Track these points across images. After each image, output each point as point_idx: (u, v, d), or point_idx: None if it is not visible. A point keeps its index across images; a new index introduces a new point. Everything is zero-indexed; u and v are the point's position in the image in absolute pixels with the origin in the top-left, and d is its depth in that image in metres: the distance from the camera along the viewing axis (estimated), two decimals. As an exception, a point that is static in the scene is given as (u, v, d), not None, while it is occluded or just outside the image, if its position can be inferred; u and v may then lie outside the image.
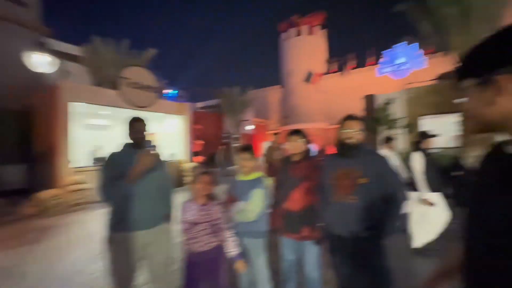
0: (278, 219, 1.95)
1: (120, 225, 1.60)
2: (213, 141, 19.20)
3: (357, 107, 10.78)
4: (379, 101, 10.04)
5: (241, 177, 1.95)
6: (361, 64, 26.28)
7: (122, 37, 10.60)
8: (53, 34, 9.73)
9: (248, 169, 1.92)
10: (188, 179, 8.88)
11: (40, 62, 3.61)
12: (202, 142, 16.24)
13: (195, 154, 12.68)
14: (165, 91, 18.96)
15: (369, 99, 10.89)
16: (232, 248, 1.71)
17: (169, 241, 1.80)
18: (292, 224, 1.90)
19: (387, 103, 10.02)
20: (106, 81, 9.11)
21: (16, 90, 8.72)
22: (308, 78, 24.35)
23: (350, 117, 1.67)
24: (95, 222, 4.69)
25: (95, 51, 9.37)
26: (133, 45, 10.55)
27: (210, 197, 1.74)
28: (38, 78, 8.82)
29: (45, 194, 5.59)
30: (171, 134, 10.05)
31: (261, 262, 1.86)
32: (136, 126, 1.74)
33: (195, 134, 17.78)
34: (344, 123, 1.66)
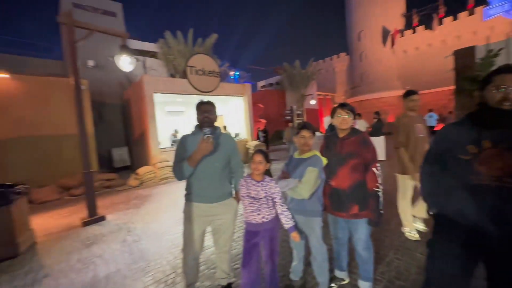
0: (325, 197, 1.92)
1: (191, 197, 1.85)
2: (276, 119, 19.41)
3: (447, 66, 8.81)
4: (481, 54, 7.90)
5: (297, 155, 1.97)
6: (451, 12, 20.78)
7: (188, 28, 11.51)
8: (134, 37, 11.41)
9: (308, 147, 1.89)
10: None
11: (126, 62, 4.36)
12: (264, 120, 16.66)
13: (263, 132, 13.19)
14: (230, 73, 19.94)
15: (466, 53, 8.68)
16: (286, 221, 1.80)
17: (233, 215, 1.94)
18: (340, 202, 1.84)
19: (495, 55, 7.78)
20: (178, 71, 10.26)
21: (116, 88, 10.84)
22: (384, 38, 20.64)
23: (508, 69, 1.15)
24: (178, 193, 5.66)
25: (167, 45, 10.56)
26: (197, 33, 11.35)
27: (266, 174, 1.83)
28: (129, 76, 10.67)
29: (142, 170, 7.00)
30: (235, 114, 10.70)
31: (315, 239, 1.88)
32: (202, 109, 1.84)
33: (258, 113, 18.35)
34: (497, 78, 1.15)
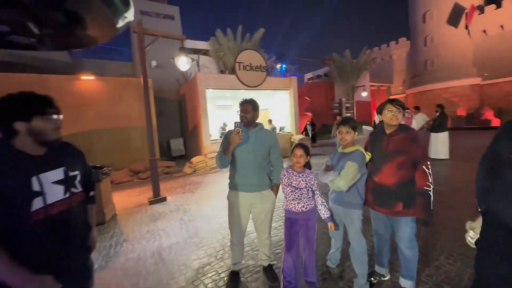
0: (368, 192, 1.94)
1: (232, 185, 2.08)
2: (323, 112, 18.76)
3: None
4: None
5: (340, 149, 2.04)
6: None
7: (238, 24, 11.96)
8: (188, 36, 12.38)
9: (345, 142, 1.95)
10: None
11: (183, 63, 4.88)
12: (310, 114, 16.32)
13: (311, 125, 12.99)
14: (276, 66, 19.96)
15: None
16: (324, 212, 1.94)
17: (270, 205, 2.08)
18: (383, 198, 1.84)
19: None
20: (227, 67, 10.82)
21: (174, 85, 12.01)
22: (457, 17, 17.46)
23: None
24: (226, 181, 6.12)
25: (218, 43, 11.19)
26: (245, 28, 11.71)
27: (306, 166, 1.96)
28: (185, 73, 11.69)
29: (195, 159, 7.75)
30: (280, 108, 10.80)
31: (354, 231, 1.94)
32: (241, 108, 2.02)
33: (304, 106, 18.02)
34: None
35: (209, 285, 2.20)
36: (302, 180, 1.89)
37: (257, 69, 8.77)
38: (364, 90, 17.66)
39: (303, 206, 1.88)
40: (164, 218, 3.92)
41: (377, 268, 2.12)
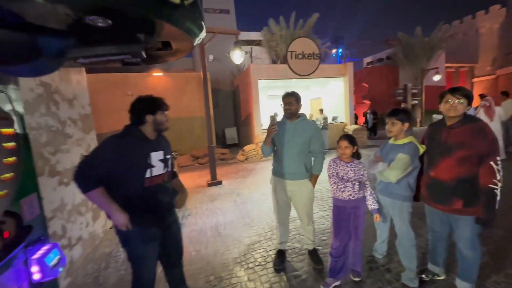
0: (423, 186, 1.85)
1: (274, 172, 2.27)
2: (383, 100, 17.02)
3: None
4: None
5: (391, 141, 2.00)
6: None
7: (291, 11, 11.69)
8: (242, 28, 12.74)
9: (391, 134, 1.91)
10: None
11: (238, 56, 5.18)
12: (368, 102, 15.02)
13: (373, 113, 12.08)
14: (331, 52, 18.84)
15: None
16: (371, 203, 1.94)
17: (307, 194, 2.16)
18: (440, 194, 1.74)
19: None
20: (279, 57, 10.82)
21: (228, 76, 12.68)
22: None
23: None
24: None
25: (271, 33, 11.21)
26: (299, 14, 11.39)
27: (355, 156, 1.98)
28: (239, 65, 12.17)
29: (248, 148, 8.19)
30: (334, 97, 10.33)
31: (401, 223, 1.91)
32: (284, 101, 2.14)
33: (361, 94, 16.67)
34: None
35: (259, 259, 2.48)
36: (351, 170, 1.92)
37: (310, 57, 8.54)
38: (437, 73, 15.17)
39: (351, 195, 1.92)
40: (220, 199, 4.39)
41: (431, 266, 2.02)
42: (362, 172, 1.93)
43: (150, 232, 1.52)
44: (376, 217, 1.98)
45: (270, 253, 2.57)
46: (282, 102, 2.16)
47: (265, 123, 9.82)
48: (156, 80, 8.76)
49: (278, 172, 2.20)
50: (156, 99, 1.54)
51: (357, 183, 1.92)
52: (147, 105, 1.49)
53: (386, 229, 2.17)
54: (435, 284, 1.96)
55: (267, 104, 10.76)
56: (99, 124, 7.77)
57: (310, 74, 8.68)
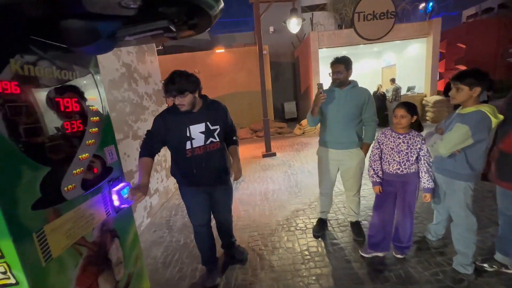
0: (492, 163, 1.55)
1: (322, 142, 2.24)
2: (487, 63, 13.36)
3: None
4: None
5: (459, 110, 1.72)
6: None
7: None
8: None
9: (456, 101, 1.62)
10: (430, 115, 7.69)
11: (294, 24, 4.97)
12: (463, 67, 12.08)
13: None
14: (420, 7, 15.60)
15: None
16: (425, 181, 1.74)
17: (357, 163, 2.11)
18: (507, 170, 1.44)
19: None
20: (346, 21, 9.69)
21: (289, 48, 12.25)
22: None
23: None
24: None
25: (336, -7, 10.00)
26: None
27: (415, 127, 1.77)
28: (299, 35, 11.55)
29: (305, 122, 8.05)
30: (412, 63, 8.80)
31: (457, 205, 1.67)
32: (333, 68, 2.04)
33: (454, 58, 13.50)
34: None
35: (300, 225, 2.61)
36: (403, 142, 1.75)
37: (382, 17, 7.35)
38: None
39: (399, 169, 1.78)
40: (272, 169, 4.62)
41: (498, 256, 1.74)
42: (419, 146, 1.73)
43: (194, 190, 1.73)
44: (426, 196, 1.76)
45: (312, 221, 2.66)
46: (330, 70, 2.06)
47: (326, 96, 9.30)
48: (218, 56, 9.27)
49: (327, 142, 2.17)
50: (167, 83, 1.47)
51: (411, 157, 1.75)
52: (163, 85, 1.51)
53: (444, 210, 1.93)
54: (499, 276, 1.70)
55: (327, 76, 10.03)
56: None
57: (382, 37, 7.55)
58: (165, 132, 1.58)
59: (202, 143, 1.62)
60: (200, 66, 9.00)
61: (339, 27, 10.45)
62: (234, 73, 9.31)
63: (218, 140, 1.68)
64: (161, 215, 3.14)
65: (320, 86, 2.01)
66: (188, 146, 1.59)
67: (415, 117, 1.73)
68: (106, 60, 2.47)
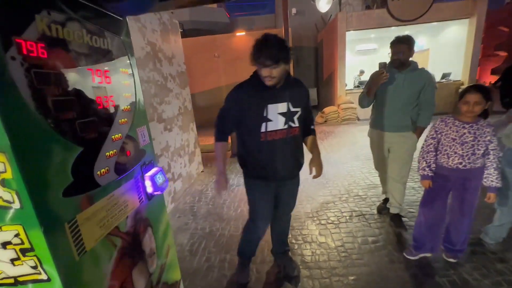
0: None
1: (374, 124, 2.20)
2: (532, 50, 12.01)
3: None
4: None
5: None
6: None
7: None
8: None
9: None
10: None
11: (324, 3, 4.59)
12: (505, 53, 10.93)
13: (494, 72, 9.07)
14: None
15: None
16: (493, 178, 1.50)
17: (408, 147, 2.03)
18: None
19: None
20: (376, 1, 8.94)
21: (312, 31, 11.64)
22: None
23: None
24: (357, 133, 5.82)
25: (368, -30, 9.20)
26: None
27: (482, 116, 1.52)
28: (324, 17, 10.90)
29: (328, 109, 7.68)
30: (449, 47, 8.04)
31: None
32: (394, 49, 1.92)
33: (496, 42, 12.25)
34: None
35: (332, 218, 2.44)
36: (469, 132, 1.49)
37: (421, -5, 6.66)
38: None
39: (461, 163, 1.53)
40: (296, 158, 4.43)
41: None
42: (489, 138, 1.47)
43: (263, 185, 1.47)
44: (490, 197, 1.53)
45: (345, 214, 2.48)
46: (391, 50, 1.93)
47: (350, 82, 8.80)
48: (238, 40, 8.94)
49: (378, 124, 2.12)
50: (260, 48, 1.23)
51: (477, 150, 1.49)
52: (251, 49, 1.26)
53: (509, 212, 1.68)
54: None
55: (353, 62, 9.47)
56: (192, 85, 8.83)
57: (418, 17, 6.86)
58: (239, 112, 1.35)
59: (280, 127, 1.35)
60: (220, 50, 8.74)
61: (367, 7, 9.71)
62: (254, 58, 8.99)
63: (297, 125, 1.40)
64: (185, 201, 3.08)
65: (383, 65, 1.97)
66: (262, 128, 1.33)
67: (489, 103, 1.46)
68: (132, 37, 2.33)
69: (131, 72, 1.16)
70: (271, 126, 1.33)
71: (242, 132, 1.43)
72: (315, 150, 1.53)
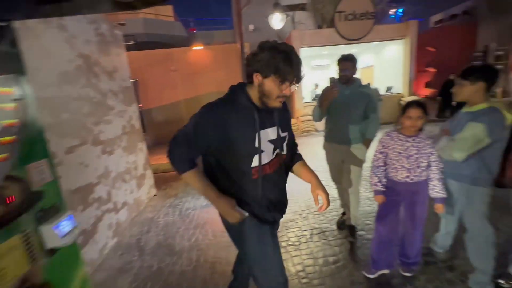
0: (510, 167, 1.38)
1: (327, 137, 2.26)
2: (454, 66, 14.21)
3: None
4: None
5: (465, 108, 1.54)
6: None
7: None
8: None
9: (460, 98, 1.50)
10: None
11: (277, 20, 4.71)
12: (433, 69, 12.70)
13: (449, 84, 10.25)
14: (389, 11, 16.21)
15: None
16: (438, 190, 1.52)
17: (359, 158, 2.11)
18: None
19: None
20: (326, 21, 9.68)
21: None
22: None
23: None
24: (317, 145, 5.99)
25: (316, -7, 9.96)
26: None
27: (421, 130, 1.56)
28: (280, 34, 11.40)
29: (288, 122, 7.85)
30: (390, 63, 8.99)
31: (472, 214, 1.50)
32: (340, 66, 2.03)
33: (425, 60, 14.19)
34: None
35: (292, 239, 2.32)
36: (413, 146, 1.52)
37: (362, 17, 7.38)
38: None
39: (408, 177, 1.55)
40: (257, 174, 4.31)
41: (513, 270, 1.59)
42: (429, 150, 1.52)
43: (265, 230, 1.13)
44: (439, 208, 1.55)
45: (305, 233, 2.39)
46: (337, 67, 2.05)
47: (307, 96, 9.21)
48: (196, 54, 8.78)
49: (331, 137, 2.20)
50: (288, 63, 0.93)
51: (421, 163, 1.52)
52: (270, 58, 0.92)
53: (453, 219, 1.76)
54: (517, 293, 1.53)
55: (309, 75, 9.98)
56: (146, 100, 8.25)
57: (362, 37, 7.58)
58: (219, 141, 0.98)
59: (271, 158, 1.07)
60: (177, 63, 8.44)
61: (319, 27, 10.43)
62: (212, 71, 8.87)
63: (285, 153, 1.16)
64: (131, 233, 2.68)
65: (333, 80, 2.01)
66: (255, 162, 1.01)
67: (426, 118, 1.52)
68: (55, 47, 1.99)
69: (21, 91, 0.90)
70: (263, 159, 1.03)
71: (226, 166, 1.05)
72: (313, 175, 1.21)
